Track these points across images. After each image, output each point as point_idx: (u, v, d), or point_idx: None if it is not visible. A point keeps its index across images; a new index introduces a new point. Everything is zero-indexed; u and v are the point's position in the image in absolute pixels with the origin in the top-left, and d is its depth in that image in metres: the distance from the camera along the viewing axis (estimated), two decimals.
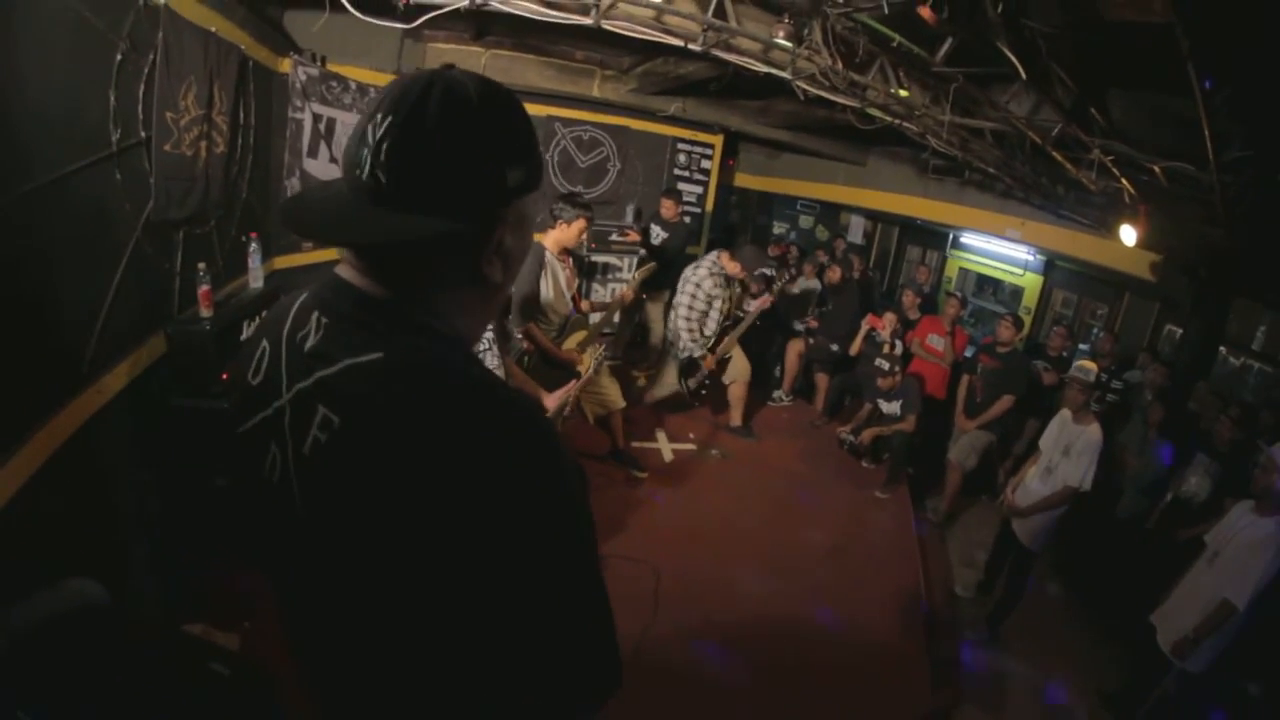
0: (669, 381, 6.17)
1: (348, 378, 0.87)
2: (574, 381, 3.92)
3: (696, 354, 5.86)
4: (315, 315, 0.93)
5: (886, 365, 6.01)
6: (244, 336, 3.39)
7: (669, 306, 7.22)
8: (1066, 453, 4.20)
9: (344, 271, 0.94)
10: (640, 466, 5.29)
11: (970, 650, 4.42)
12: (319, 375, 0.89)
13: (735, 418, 6.37)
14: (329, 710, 1.04)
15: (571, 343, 4.63)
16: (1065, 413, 4.36)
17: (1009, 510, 4.48)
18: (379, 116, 0.85)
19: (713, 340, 5.95)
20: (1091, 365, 4.44)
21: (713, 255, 5.95)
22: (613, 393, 5.02)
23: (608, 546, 4.28)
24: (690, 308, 5.84)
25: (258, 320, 3.21)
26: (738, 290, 6.21)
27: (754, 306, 6.21)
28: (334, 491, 0.88)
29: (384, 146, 0.84)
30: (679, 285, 5.97)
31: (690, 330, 5.83)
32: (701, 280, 5.81)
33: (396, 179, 0.84)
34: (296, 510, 0.92)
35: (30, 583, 1.27)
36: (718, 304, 5.91)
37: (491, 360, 3.28)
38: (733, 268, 5.89)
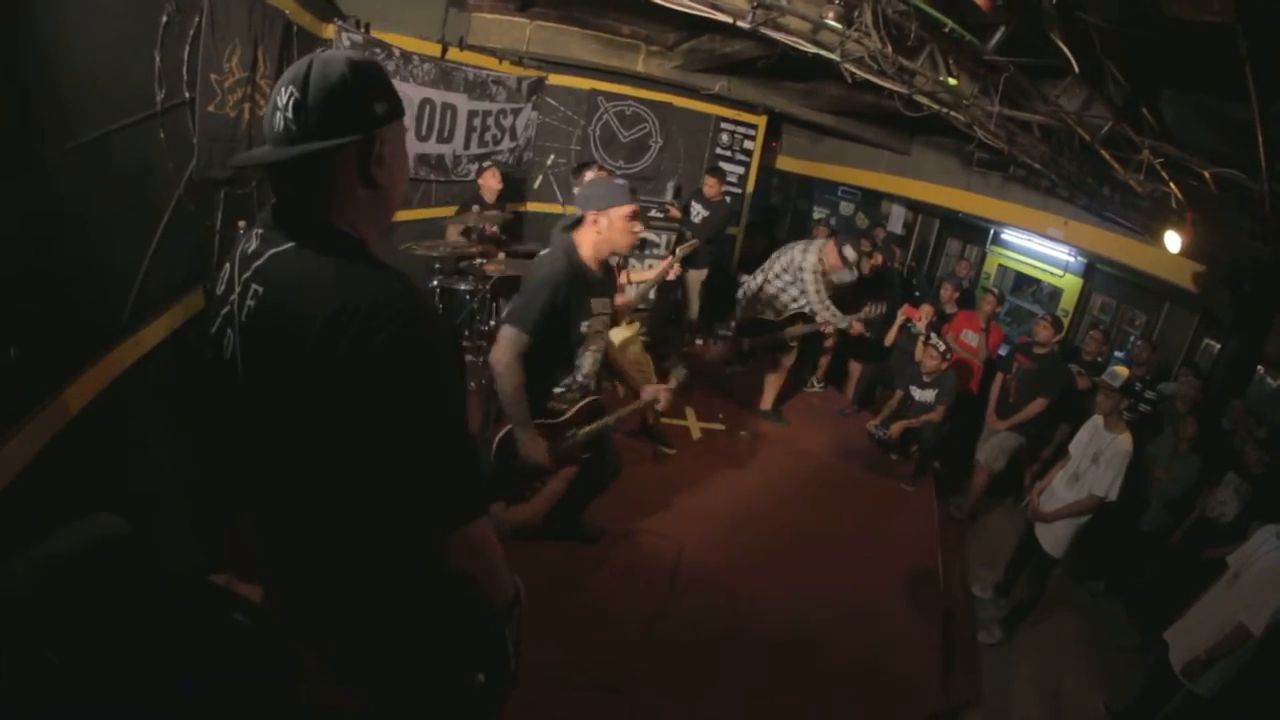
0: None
1: (270, 261, 1.25)
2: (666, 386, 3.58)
3: (841, 324, 5.68)
4: (255, 231, 1.31)
5: (941, 346, 5.90)
6: None
7: (704, 285, 7.21)
8: (1095, 460, 4.12)
9: (277, 194, 1.32)
10: (669, 443, 5.31)
11: (984, 652, 4.40)
12: (255, 265, 1.27)
13: (767, 401, 6.30)
14: (270, 541, 1.39)
15: (618, 337, 4.51)
16: (1098, 418, 4.28)
17: (1033, 515, 4.43)
18: (283, 89, 1.23)
19: (792, 314, 5.77)
20: (1124, 370, 4.31)
21: (820, 242, 5.74)
22: (648, 369, 5.02)
23: (633, 520, 4.33)
24: (816, 287, 5.62)
25: None
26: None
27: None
28: (257, 344, 1.25)
29: (289, 106, 1.22)
30: (785, 269, 5.71)
31: (827, 307, 5.65)
32: (815, 266, 5.59)
33: (302, 122, 1.21)
34: (241, 373, 1.27)
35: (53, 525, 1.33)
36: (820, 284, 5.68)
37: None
38: (833, 262, 5.64)
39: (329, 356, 1.14)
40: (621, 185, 3.03)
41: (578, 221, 3.02)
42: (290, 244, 1.24)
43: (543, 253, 3.11)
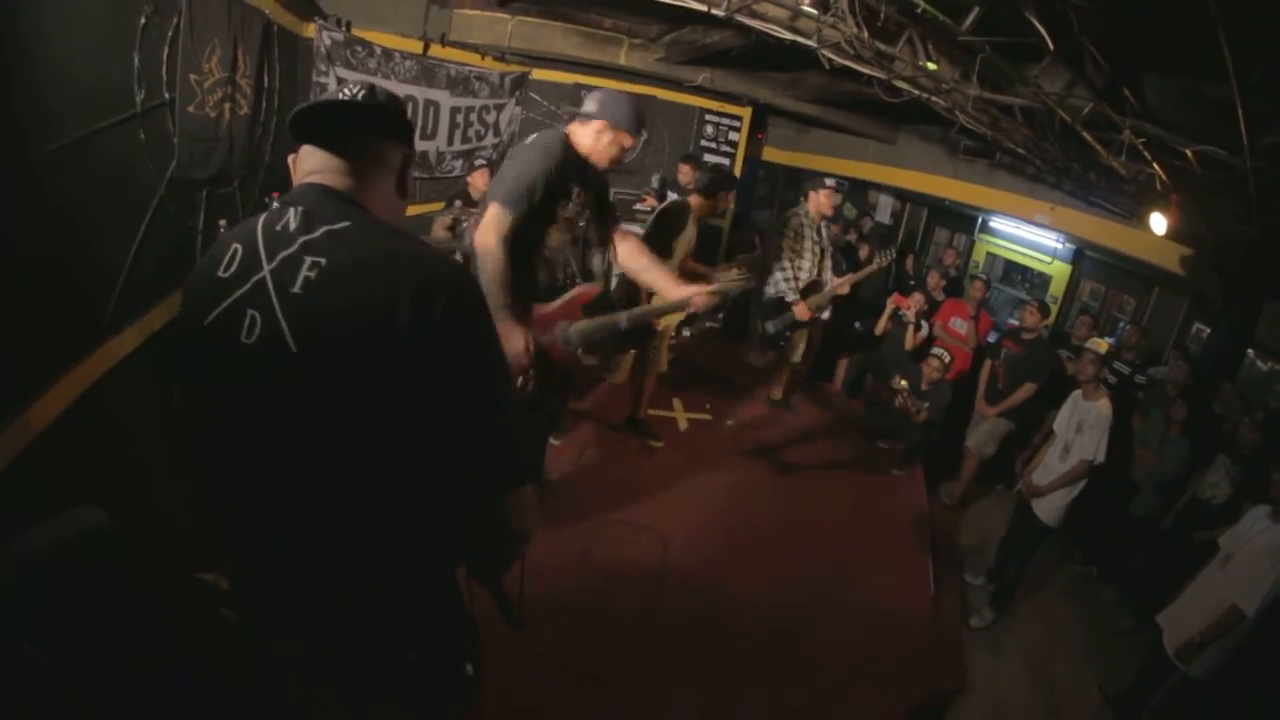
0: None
1: (327, 237, 1.23)
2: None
3: (790, 297, 5.16)
4: (292, 209, 1.27)
5: (946, 358, 5.92)
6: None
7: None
8: (1080, 429, 4.25)
9: (315, 178, 1.31)
10: (656, 436, 5.28)
11: (975, 639, 4.43)
12: (302, 240, 1.23)
13: (777, 393, 6.27)
14: (261, 539, 1.32)
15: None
16: (1076, 393, 4.44)
17: (1028, 492, 4.50)
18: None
19: (804, 286, 5.30)
20: (1104, 343, 4.55)
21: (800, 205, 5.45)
22: (662, 351, 4.96)
23: (619, 512, 4.31)
24: (779, 245, 5.23)
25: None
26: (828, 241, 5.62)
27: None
28: (323, 312, 1.20)
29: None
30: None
31: (783, 268, 5.18)
32: (789, 217, 5.31)
33: (372, 99, 1.33)
34: (284, 345, 1.20)
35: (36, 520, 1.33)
36: (809, 244, 5.31)
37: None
38: (813, 201, 5.31)
39: (416, 329, 1.18)
40: (641, 115, 2.97)
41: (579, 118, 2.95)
42: (347, 222, 1.25)
43: (532, 136, 2.95)
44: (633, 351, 4.77)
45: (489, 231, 2.63)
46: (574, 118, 2.99)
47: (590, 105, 2.92)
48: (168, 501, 3.01)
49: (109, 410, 2.60)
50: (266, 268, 1.23)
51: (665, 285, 3.19)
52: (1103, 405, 4.20)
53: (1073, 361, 6.04)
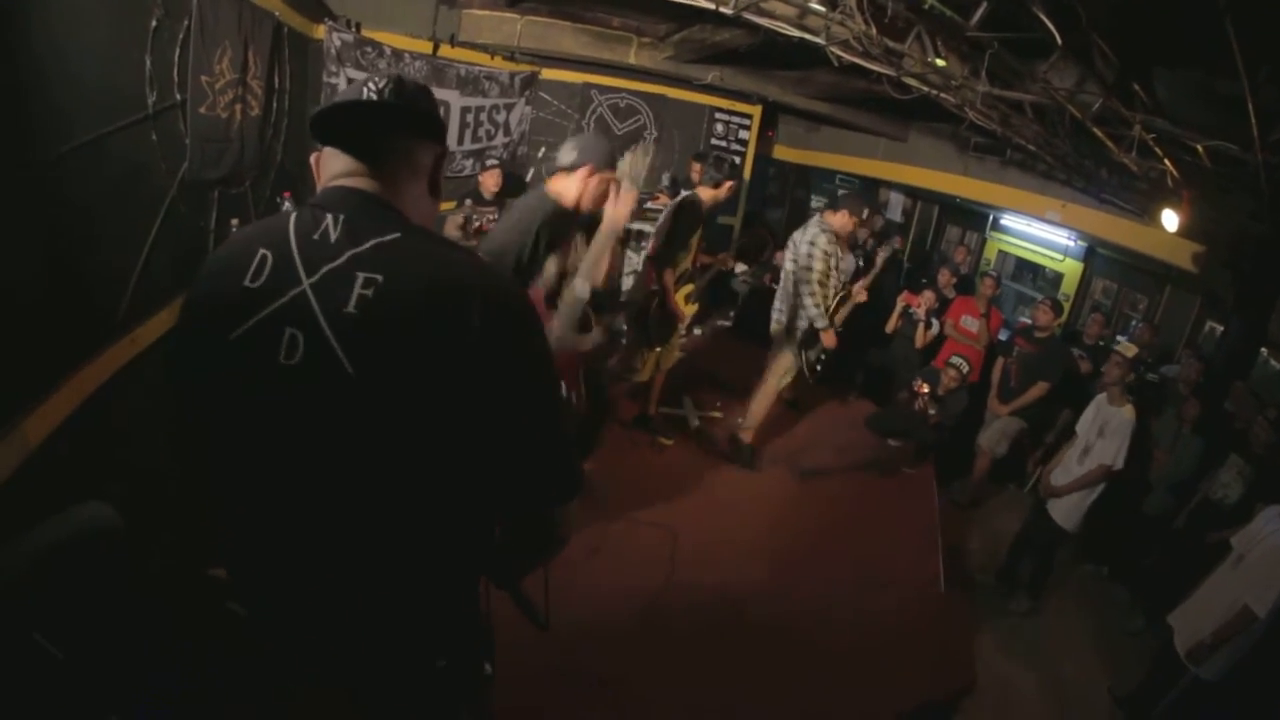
0: (785, 365, 5.22)
1: (379, 250, 1.15)
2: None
3: (820, 324, 4.92)
4: (329, 216, 1.18)
5: (965, 368, 5.89)
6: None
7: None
8: (1101, 433, 4.26)
9: (346, 181, 1.23)
10: (667, 433, 5.29)
11: (984, 638, 4.41)
12: (350, 253, 1.14)
13: (788, 392, 6.14)
14: (285, 544, 1.26)
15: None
16: (1101, 396, 4.44)
17: (1045, 492, 4.49)
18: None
19: (832, 309, 5.03)
20: (1132, 346, 4.54)
21: (815, 219, 5.07)
22: (673, 349, 5.00)
23: (628, 509, 4.32)
24: (809, 269, 4.85)
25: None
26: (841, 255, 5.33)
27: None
28: (384, 333, 1.12)
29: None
30: (788, 254, 5.09)
31: (813, 295, 4.90)
32: (815, 238, 4.90)
33: (400, 97, 1.22)
34: (338, 367, 1.11)
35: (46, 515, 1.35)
36: (834, 262, 5.03)
37: None
38: (839, 220, 4.96)
39: (484, 349, 1.14)
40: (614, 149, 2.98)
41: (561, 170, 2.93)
42: (397, 234, 1.17)
43: (520, 201, 2.99)
44: (657, 349, 4.79)
45: None
46: (553, 173, 2.95)
47: (570, 155, 2.89)
48: (178, 498, 3.05)
49: (121, 408, 2.63)
50: (306, 281, 1.13)
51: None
52: (1127, 411, 4.21)
53: (1085, 360, 6.02)
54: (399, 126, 1.26)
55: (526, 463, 1.28)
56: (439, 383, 1.13)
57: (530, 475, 1.31)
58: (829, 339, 4.95)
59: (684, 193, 6.80)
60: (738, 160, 8.51)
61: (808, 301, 4.90)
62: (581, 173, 2.86)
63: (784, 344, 5.12)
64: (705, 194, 4.59)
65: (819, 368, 5.21)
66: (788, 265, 5.04)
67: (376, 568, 1.23)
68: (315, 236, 1.17)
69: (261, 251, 1.16)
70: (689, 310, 4.81)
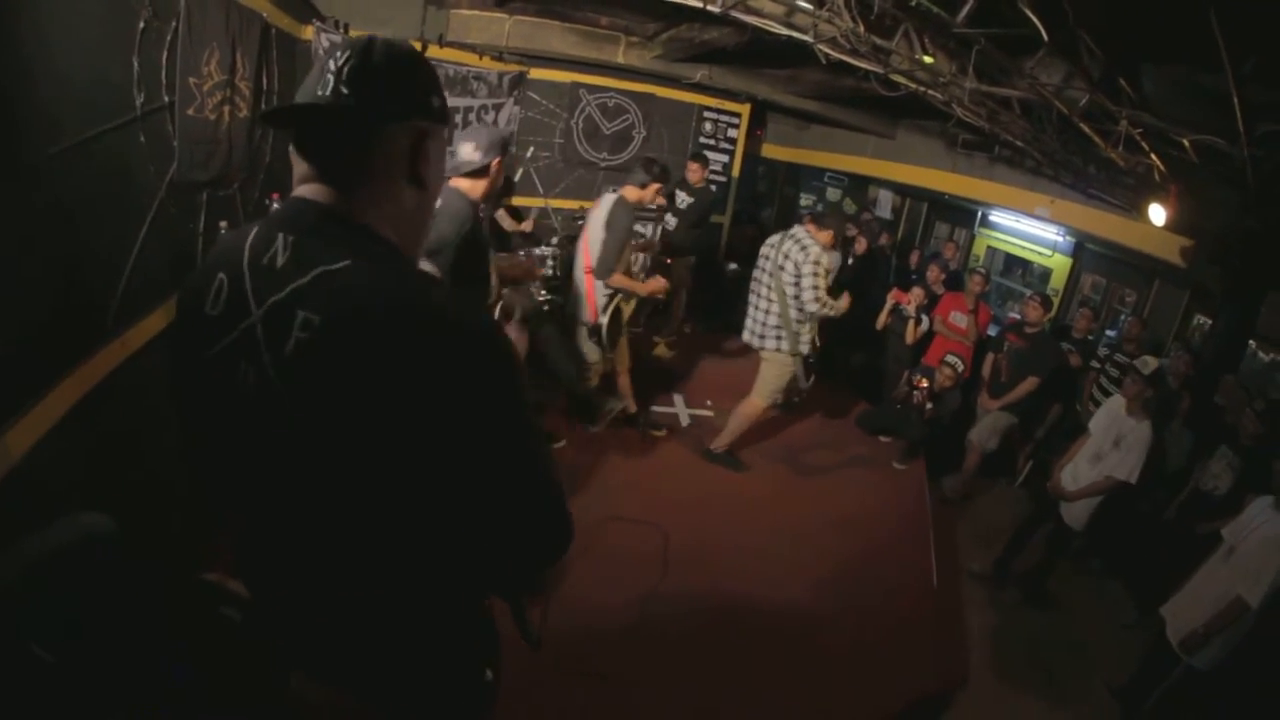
0: (777, 381, 5.05)
1: (320, 282, 1.02)
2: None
3: (828, 311, 4.81)
4: (280, 236, 1.07)
5: (960, 367, 5.94)
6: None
7: (691, 272, 7.18)
8: (1117, 444, 4.24)
9: (304, 191, 1.11)
10: (658, 425, 5.34)
11: (977, 632, 4.43)
12: (293, 286, 1.03)
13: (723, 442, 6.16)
14: (276, 556, 1.22)
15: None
16: (1119, 401, 4.39)
17: (1053, 492, 4.51)
18: (339, 54, 1.08)
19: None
20: (1153, 360, 4.47)
21: (800, 229, 4.93)
22: (623, 349, 4.99)
23: (620, 507, 4.34)
24: (816, 287, 4.73)
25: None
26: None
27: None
28: (321, 383, 1.01)
29: (345, 70, 1.06)
30: (780, 266, 4.83)
31: (819, 302, 4.76)
32: (820, 258, 4.73)
33: (358, 89, 1.06)
34: (283, 410, 1.04)
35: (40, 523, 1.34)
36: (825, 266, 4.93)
37: None
38: (826, 238, 4.88)
39: (436, 394, 1.00)
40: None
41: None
42: (345, 261, 1.02)
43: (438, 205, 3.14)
44: (609, 355, 4.79)
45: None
46: (454, 175, 3.07)
47: (473, 154, 3.01)
48: (170, 502, 3.03)
49: (112, 412, 2.61)
50: (255, 313, 1.05)
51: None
52: (1145, 427, 4.20)
53: (1074, 354, 6.06)
54: (360, 115, 1.08)
55: (504, 517, 1.13)
56: (385, 436, 1.01)
57: (510, 530, 1.15)
58: (845, 303, 4.88)
59: (679, 195, 6.86)
60: (728, 159, 8.55)
61: (813, 307, 4.76)
62: (495, 166, 3.08)
63: (777, 355, 4.99)
64: (631, 195, 4.56)
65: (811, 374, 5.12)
66: (785, 277, 4.81)
67: (355, 593, 1.18)
68: (264, 261, 1.06)
69: (220, 276, 1.09)
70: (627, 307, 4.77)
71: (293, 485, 1.11)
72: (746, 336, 5.06)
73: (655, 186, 4.58)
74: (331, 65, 1.07)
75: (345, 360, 0.99)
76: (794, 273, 4.73)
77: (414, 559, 1.15)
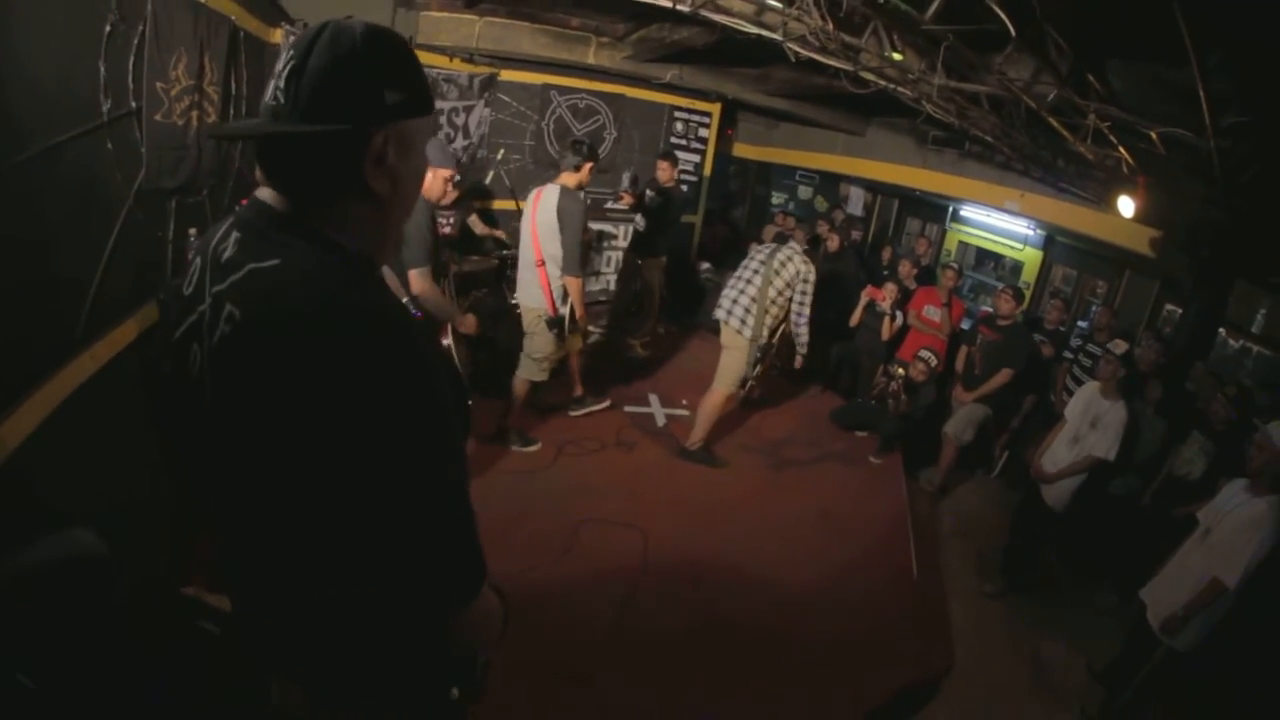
0: (735, 372, 5.10)
1: (249, 279, 1.02)
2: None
3: (804, 341, 5.08)
4: (234, 233, 1.08)
5: (933, 361, 6.01)
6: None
7: (663, 272, 7.17)
8: (1094, 425, 4.39)
9: (260, 193, 1.10)
10: (584, 402, 5.56)
11: (960, 621, 4.47)
12: (231, 279, 1.04)
13: (755, 390, 5.94)
14: (243, 587, 1.23)
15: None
16: (1094, 385, 4.57)
17: (1035, 475, 4.63)
18: (285, 56, 1.04)
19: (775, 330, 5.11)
20: (1123, 342, 4.77)
21: (791, 244, 5.10)
22: (575, 339, 5.08)
23: (596, 510, 4.34)
24: (803, 303, 4.96)
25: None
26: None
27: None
28: (231, 377, 1.03)
29: (284, 74, 1.02)
30: (780, 266, 4.93)
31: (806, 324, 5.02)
32: (808, 276, 4.91)
33: (291, 95, 1.01)
34: (207, 402, 1.06)
35: (23, 540, 1.30)
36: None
37: None
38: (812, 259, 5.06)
39: (316, 408, 0.94)
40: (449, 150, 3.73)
41: None
42: (275, 260, 1.01)
43: None
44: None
45: (423, 283, 3.65)
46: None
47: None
48: (147, 517, 2.97)
49: (83, 425, 2.55)
50: (206, 302, 1.06)
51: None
52: (1120, 407, 4.37)
53: (1047, 345, 6.16)
54: (290, 125, 1.02)
55: (400, 546, 1.03)
56: (279, 437, 0.97)
57: (408, 561, 1.04)
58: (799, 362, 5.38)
59: (649, 194, 6.83)
60: (698, 159, 8.57)
61: (804, 332, 5.07)
62: (444, 174, 3.79)
63: (738, 348, 5.05)
64: (570, 180, 4.58)
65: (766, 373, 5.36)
66: (778, 283, 4.91)
67: (301, 603, 1.14)
68: (219, 251, 1.08)
69: (197, 260, 1.12)
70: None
71: (227, 483, 1.11)
72: (718, 313, 5.15)
73: (589, 165, 4.61)
74: (279, 68, 1.04)
75: (248, 358, 1.00)
76: (792, 277, 4.90)
77: (345, 575, 1.07)
